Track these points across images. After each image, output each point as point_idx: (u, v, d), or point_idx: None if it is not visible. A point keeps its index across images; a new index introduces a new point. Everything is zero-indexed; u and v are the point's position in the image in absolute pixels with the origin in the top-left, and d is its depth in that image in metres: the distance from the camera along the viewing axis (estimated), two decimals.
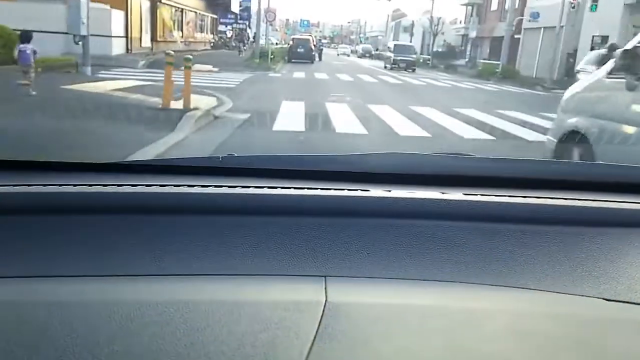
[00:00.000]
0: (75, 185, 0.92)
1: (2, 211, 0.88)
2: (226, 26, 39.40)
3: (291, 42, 31.02)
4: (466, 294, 0.78)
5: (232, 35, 36.77)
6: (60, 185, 0.92)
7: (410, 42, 41.89)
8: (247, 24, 39.13)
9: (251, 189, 0.93)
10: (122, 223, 0.88)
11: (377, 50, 58.29)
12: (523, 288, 0.80)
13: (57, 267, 0.78)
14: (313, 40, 31.89)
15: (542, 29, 26.66)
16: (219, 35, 37.25)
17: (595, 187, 1.05)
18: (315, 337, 0.65)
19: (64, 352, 0.62)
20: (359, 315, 0.71)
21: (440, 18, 40.83)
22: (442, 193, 0.96)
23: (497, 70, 24.81)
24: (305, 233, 0.86)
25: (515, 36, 28.44)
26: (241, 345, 0.64)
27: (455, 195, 0.96)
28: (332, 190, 0.95)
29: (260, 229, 0.87)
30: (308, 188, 0.95)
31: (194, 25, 34.04)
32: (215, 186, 0.94)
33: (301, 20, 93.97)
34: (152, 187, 0.92)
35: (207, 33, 37.43)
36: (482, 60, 33.55)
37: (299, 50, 28.78)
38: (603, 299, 0.78)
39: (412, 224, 0.90)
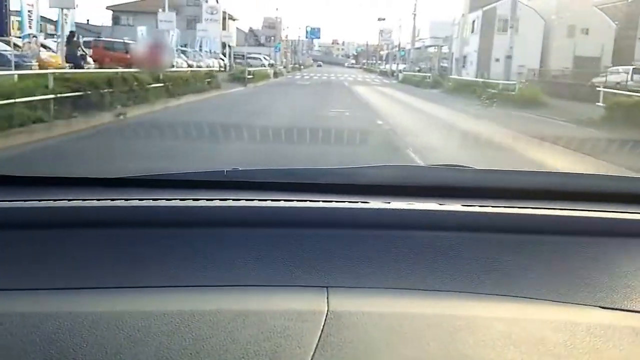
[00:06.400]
0: (84, 200, 0.95)
1: (12, 226, 0.90)
2: None
3: None
4: (465, 303, 0.80)
5: None
6: (70, 200, 0.94)
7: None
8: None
9: (255, 201, 0.96)
10: (128, 236, 0.90)
11: (420, 71, 30.91)
12: (521, 297, 0.81)
13: (64, 279, 0.80)
14: None
15: None
16: None
17: (591, 197, 1.07)
18: (317, 346, 0.67)
19: None
20: (360, 325, 0.73)
21: None
22: (440, 204, 0.98)
23: None
24: (308, 244, 0.88)
25: None
26: (245, 354, 0.65)
27: (454, 206, 0.98)
28: (333, 203, 0.97)
29: (263, 241, 0.89)
30: (310, 200, 0.97)
31: None
32: (220, 199, 0.96)
33: (307, 28, 65.46)
34: (159, 201, 0.95)
35: None
36: None
37: None
38: (599, 307, 0.80)
39: (411, 234, 0.92)
